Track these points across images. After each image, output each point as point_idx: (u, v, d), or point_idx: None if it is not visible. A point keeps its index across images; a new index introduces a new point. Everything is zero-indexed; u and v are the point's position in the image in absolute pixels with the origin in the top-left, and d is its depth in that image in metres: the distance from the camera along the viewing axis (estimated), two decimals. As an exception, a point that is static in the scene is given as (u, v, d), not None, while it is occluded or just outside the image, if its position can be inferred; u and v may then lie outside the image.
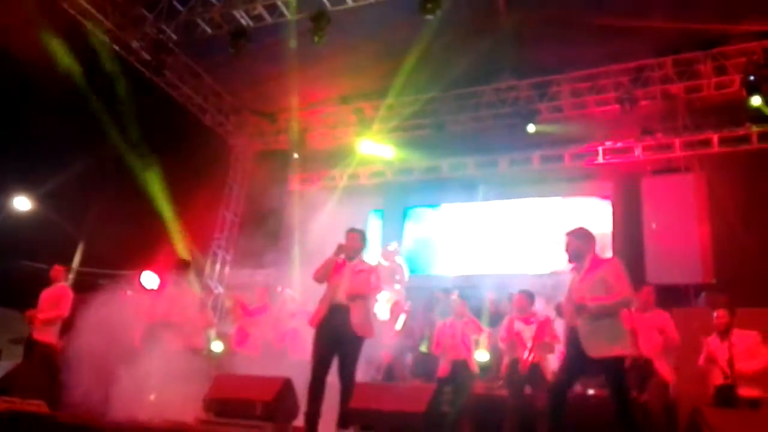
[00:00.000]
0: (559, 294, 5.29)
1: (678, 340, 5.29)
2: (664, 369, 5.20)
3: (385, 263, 8.45)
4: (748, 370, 5.07)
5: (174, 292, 6.06)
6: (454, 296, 7.14)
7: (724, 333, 5.24)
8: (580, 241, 4.31)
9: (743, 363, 5.07)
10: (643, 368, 5.10)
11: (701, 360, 5.35)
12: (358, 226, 5.28)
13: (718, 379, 5.17)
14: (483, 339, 7.01)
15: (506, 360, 5.98)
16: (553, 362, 5.79)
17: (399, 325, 7.45)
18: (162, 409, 5.01)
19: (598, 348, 4.00)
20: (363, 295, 4.84)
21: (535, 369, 5.68)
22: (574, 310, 4.13)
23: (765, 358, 5.15)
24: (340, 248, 4.89)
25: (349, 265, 4.89)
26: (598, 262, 4.25)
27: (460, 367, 6.19)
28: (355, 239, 4.97)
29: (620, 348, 4.04)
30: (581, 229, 4.39)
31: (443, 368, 6.23)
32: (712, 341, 5.34)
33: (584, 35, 8.44)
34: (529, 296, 6.00)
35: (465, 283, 9.03)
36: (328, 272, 4.87)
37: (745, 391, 5.05)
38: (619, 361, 4.05)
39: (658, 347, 5.21)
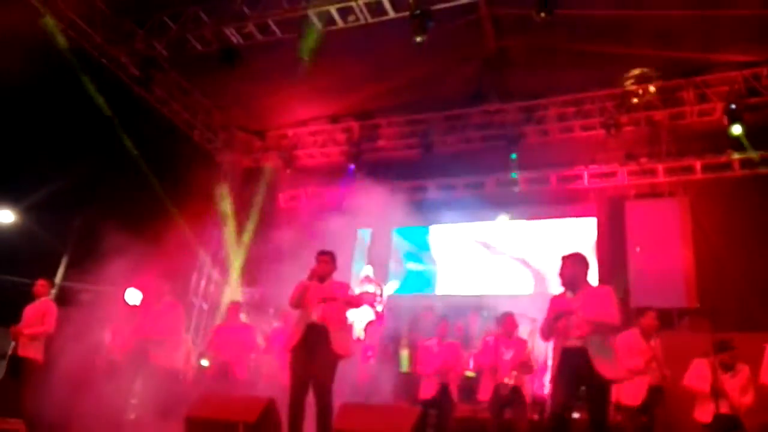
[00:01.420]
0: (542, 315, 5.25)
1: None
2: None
3: (368, 287, 8.49)
4: (742, 405, 5.11)
5: (159, 309, 5.98)
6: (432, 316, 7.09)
7: (729, 368, 5.23)
8: (577, 267, 4.32)
9: (735, 397, 5.09)
10: (656, 396, 5.14)
11: (686, 379, 5.34)
12: (347, 245, 5.31)
13: (722, 409, 5.08)
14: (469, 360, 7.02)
15: (487, 382, 5.92)
16: (529, 384, 5.80)
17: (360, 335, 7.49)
18: (142, 429, 4.92)
19: (605, 367, 4.01)
20: (338, 312, 4.85)
21: (516, 391, 5.66)
22: (570, 320, 4.14)
23: (752, 395, 5.15)
24: (312, 273, 4.89)
25: (322, 287, 4.88)
26: (590, 289, 4.29)
27: (444, 390, 6.13)
28: (326, 262, 4.98)
29: (617, 372, 4.14)
30: (579, 254, 4.40)
31: (427, 390, 6.17)
32: (702, 365, 5.29)
33: (570, 61, 8.61)
34: (517, 318, 6.01)
35: (448, 303, 9.07)
36: (303, 296, 4.86)
37: (753, 419, 5.09)
38: (610, 383, 4.10)
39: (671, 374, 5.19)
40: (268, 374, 6.89)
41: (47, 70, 8.07)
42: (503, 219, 9.96)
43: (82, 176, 8.39)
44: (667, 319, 8.36)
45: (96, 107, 8.37)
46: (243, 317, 7.38)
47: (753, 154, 8.78)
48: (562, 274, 4.34)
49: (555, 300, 4.37)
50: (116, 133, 8.33)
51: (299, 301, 4.87)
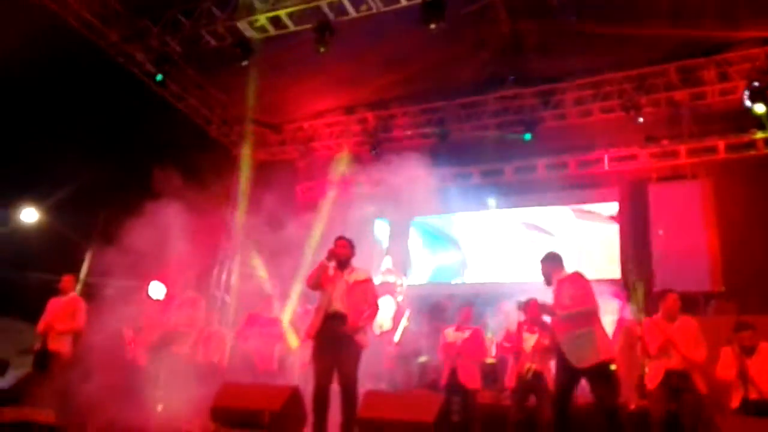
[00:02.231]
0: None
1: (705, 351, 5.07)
2: (701, 383, 4.97)
3: (389, 278, 8.49)
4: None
5: (181, 302, 6.06)
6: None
7: (750, 351, 5.12)
8: (548, 264, 4.70)
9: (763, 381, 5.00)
10: (678, 381, 4.98)
11: (717, 370, 5.25)
12: (365, 235, 5.30)
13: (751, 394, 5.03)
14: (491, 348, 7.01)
15: (512, 369, 5.92)
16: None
17: (397, 337, 7.47)
18: (169, 420, 4.99)
19: (578, 359, 4.27)
20: (361, 303, 4.81)
21: (539, 378, 5.62)
22: (546, 316, 4.60)
23: None
24: (330, 254, 4.88)
25: (344, 275, 4.87)
26: (563, 278, 4.60)
27: (453, 375, 6.16)
28: (345, 246, 4.97)
29: (600, 354, 4.29)
30: (549, 253, 4.79)
31: (444, 375, 6.22)
32: (729, 353, 5.22)
33: (587, 43, 8.47)
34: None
35: (470, 292, 9.03)
36: (320, 279, 4.87)
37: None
38: (602, 366, 4.29)
39: (698, 358, 4.99)
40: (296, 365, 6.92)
41: (67, 68, 8.16)
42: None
43: (103, 174, 8.49)
44: (692, 303, 8.25)
45: (116, 104, 8.46)
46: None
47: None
48: (542, 274, 4.75)
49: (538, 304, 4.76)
50: (135, 129, 8.41)
51: (317, 282, 4.88)
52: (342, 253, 4.92)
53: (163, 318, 5.98)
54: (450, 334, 6.37)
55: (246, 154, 11.24)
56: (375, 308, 4.97)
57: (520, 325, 5.91)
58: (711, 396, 5.39)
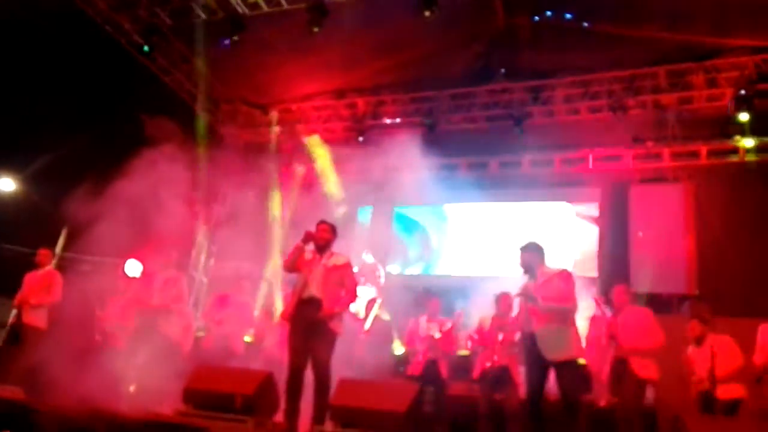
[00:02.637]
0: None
1: (662, 336, 5.24)
2: (642, 366, 5.09)
3: (369, 265, 8.48)
4: (727, 372, 5.16)
5: (164, 280, 5.98)
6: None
7: (698, 342, 5.41)
8: (530, 254, 4.74)
9: (722, 366, 5.14)
10: (619, 368, 5.16)
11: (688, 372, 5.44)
12: (350, 222, 5.25)
13: (699, 386, 5.25)
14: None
15: (481, 362, 5.97)
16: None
17: (367, 325, 7.50)
18: (141, 400, 4.95)
19: (552, 351, 4.38)
20: (336, 288, 4.78)
21: (505, 371, 5.68)
22: (526, 301, 4.57)
23: (740, 357, 5.26)
24: (308, 236, 4.82)
25: (322, 259, 4.82)
26: (549, 271, 4.65)
27: (431, 367, 6.21)
28: (326, 230, 4.91)
29: (571, 351, 4.47)
30: (531, 243, 4.82)
31: (415, 366, 6.29)
32: (691, 352, 5.43)
33: (579, 41, 8.47)
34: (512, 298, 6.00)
35: (446, 283, 9.06)
36: (296, 261, 4.82)
37: (726, 393, 5.15)
38: (570, 363, 4.46)
39: (635, 344, 5.14)
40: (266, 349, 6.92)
41: (49, 34, 7.95)
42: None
43: (83, 145, 8.32)
44: (666, 304, 8.39)
45: (99, 74, 8.28)
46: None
47: (755, 141, 8.68)
48: (521, 263, 4.76)
49: (524, 286, 4.73)
50: (118, 100, 8.25)
51: (293, 265, 4.84)
52: (322, 237, 4.87)
53: (144, 296, 5.89)
54: (422, 324, 6.40)
55: (231, 134, 11.11)
56: (352, 295, 4.94)
57: (494, 319, 5.96)
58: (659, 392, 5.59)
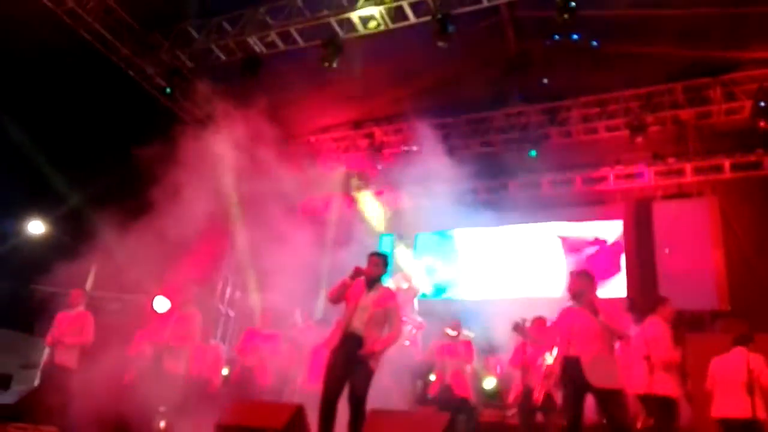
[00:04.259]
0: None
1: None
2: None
3: (404, 285, 8.48)
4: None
5: (178, 316, 6.04)
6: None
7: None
8: (583, 281, 4.66)
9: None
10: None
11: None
12: (370, 250, 5.20)
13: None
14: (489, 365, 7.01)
15: (517, 386, 5.89)
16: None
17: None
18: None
19: (600, 378, 4.30)
20: (378, 332, 4.68)
21: (549, 397, 5.59)
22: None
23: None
24: (357, 272, 4.74)
25: (370, 293, 4.73)
26: (600, 301, 4.57)
27: (445, 389, 6.22)
28: (377, 264, 4.79)
29: (618, 380, 4.39)
30: (584, 270, 4.81)
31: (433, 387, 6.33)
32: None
33: (594, 61, 8.52)
34: (545, 322, 5.95)
35: (470, 308, 8.99)
36: (342, 294, 4.77)
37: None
38: (619, 392, 4.37)
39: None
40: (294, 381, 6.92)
41: (75, 79, 8.22)
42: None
43: (106, 186, 8.51)
44: (698, 321, 8.22)
45: (122, 115, 8.52)
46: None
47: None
48: (570, 289, 4.67)
49: (565, 312, 4.67)
50: (143, 141, 8.45)
51: (338, 298, 4.79)
52: (374, 272, 4.78)
53: (157, 332, 5.95)
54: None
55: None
56: (397, 334, 4.82)
57: (525, 343, 5.90)
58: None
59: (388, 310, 4.72)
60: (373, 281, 4.77)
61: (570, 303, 4.66)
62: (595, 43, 8.10)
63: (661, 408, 5.02)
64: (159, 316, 6.37)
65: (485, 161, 10.31)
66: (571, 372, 4.41)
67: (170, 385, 5.63)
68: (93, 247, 7.67)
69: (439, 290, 10.61)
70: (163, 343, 5.76)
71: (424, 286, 10.45)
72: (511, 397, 5.88)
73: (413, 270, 9.38)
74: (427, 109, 9.78)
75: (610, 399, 4.33)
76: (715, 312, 8.32)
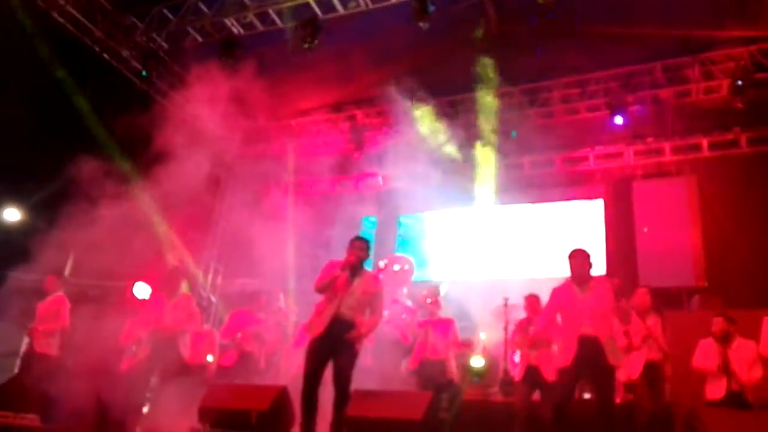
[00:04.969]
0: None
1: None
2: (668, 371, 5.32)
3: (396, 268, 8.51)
4: (749, 381, 5.07)
5: (176, 302, 6.00)
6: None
7: (722, 339, 5.24)
8: (589, 261, 4.71)
9: (743, 373, 5.07)
10: (653, 372, 5.26)
11: (694, 361, 5.35)
12: (352, 233, 5.22)
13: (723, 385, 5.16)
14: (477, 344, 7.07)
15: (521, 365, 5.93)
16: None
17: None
18: (157, 422, 4.95)
19: (614, 356, 4.43)
20: (364, 315, 4.76)
21: (538, 372, 5.62)
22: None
23: (760, 370, 5.12)
24: (347, 264, 4.72)
25: (356, 279, 4.75)
26: (597, 280, 4.73)
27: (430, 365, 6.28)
28: (362, 248, 4.82)
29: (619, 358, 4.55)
30: (583, 250, 4.78)
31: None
32: (709, 344, 5.34)
33: (574, 42, 8.51)
34: (538, 299, 5.99)
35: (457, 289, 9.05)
36: (331, 286, 4.75)
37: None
38: (614, 369, 4.51)
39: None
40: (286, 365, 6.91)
41: (54, 64, 8.04)
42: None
43: (87, 172, 8.36)
44: (676, 298, 8.37)
45: (98, 99, 8.37)
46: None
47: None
48: (572, 270, 4.69)
49: (559, 291, 4.74)
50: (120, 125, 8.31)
51: (325, 288, 4.77)
52: (360, 257, 4.80)
53: (155, 318, 5.90)
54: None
55: (232, 152, 11.15)
56: (380, 317, 4.95)
57: (523, 321, 5.97)
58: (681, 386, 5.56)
59: (373, 294, 4.80)
60: (359, 266, 4.80)
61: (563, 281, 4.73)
62: (550, 15, 7.93)
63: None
64: (150, 304, 6.28)
65: (467, 142, 10.30)
66: (586, 351, 4.42)
67: (176, 371, 5.59)
68: (71, 234, 7.55)
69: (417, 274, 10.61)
70: (165, 330, 5.69)
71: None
72: (518, 376, 5.90)
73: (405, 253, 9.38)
74: (408, 90, 9.72)
75: (611, 376, 4.47)
76: (692, 288, 8.47)
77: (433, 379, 6.22)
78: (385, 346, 6.94)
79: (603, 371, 4.42)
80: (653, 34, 8.33)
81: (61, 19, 8.30)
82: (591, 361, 4.42)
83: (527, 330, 5.79)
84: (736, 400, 5.04)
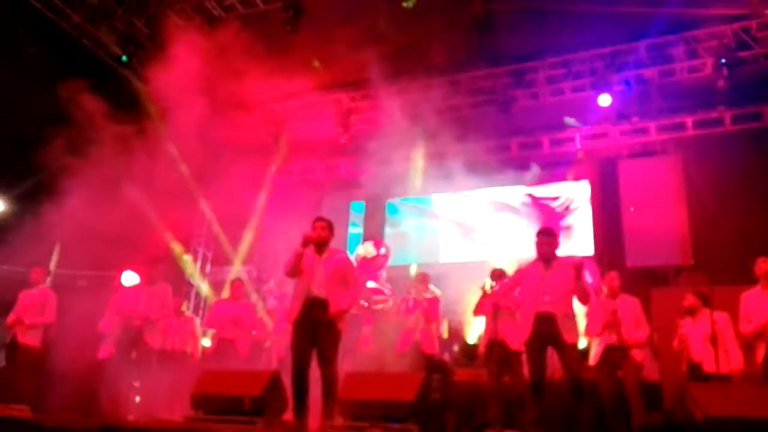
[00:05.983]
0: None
1: (649, 330, 5.39)
2: (639, 357, 5.26)
3: (371, 252, 8.47)
4: (727, 354, 5.14)
5: (151, 290, 5.99)
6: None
7: (692, 314, 5.38)
8: (556, 241, 4.82)
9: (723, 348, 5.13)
10: (614, 355, 5.24)
11: (675, 342, 5.43)
12: (341, 218, 5.21)
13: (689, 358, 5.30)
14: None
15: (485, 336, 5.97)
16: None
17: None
18: (149, 409, 4.93)
19: (570, 333, 4.51)
20: (339, 292, 4.73)
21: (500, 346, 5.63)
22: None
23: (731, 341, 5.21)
24: (306, 240, 4.73)
25: (321, 258, 4.76)
26: (562, 259, 4.78)
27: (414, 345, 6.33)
28: (324, 228, 4.83)
29: (578, 335, 4.67)
30: (551, 229, 4.96)
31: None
32: (686, 323, 5.42)
33: (558, 22, 8.48)
34: (504, 273, 5.99)
35: (443, 271, 9.08)
36: (297, 265, 4.75)
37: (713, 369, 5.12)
38: (575, 346, 4.63)
39: (639, 339, 5.29)
40: (271, 350, 6.92)
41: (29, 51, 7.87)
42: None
43: (72, 161, 8.24)
44: (663, 276, 8.47)
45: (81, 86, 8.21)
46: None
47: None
48: (539, 249, 4.76)
49: (524, 267, 4.86)
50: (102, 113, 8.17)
51: (294, 270, 4.77)
52: (321, 236, 4.81)
53: (128, 307, 5.89)
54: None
55: (218, 138, 11.04)
56: (357, 290, 4.93)
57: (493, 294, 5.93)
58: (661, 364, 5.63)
59: (342, 269, 4.79)
60: (323, 246, 4.79)
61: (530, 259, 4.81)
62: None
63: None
64: (126, 291, 6.27)
65: (454, 125, 10.26)
66: (542, 326, 4.54)
67: (147, 359, 5.61)
68: (56, 224, 7.46)
69: (403, 256, 10.62)
70: (140, 317, 5.73)
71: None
72: (481, 347, 5.93)
73: (380, 237, 9.36)
74: (393, 73, 9.64)
75: (571, 352, 4.55)
76: (679, 266, 8.57)
77: (423, 360, 6.25)
78: (386, 332, 6.98)
79: (561, 348, 4.52)
80: (637, 12, 8.32)
81: (37, 4, 8.09)
82: (547, 337, 4.54)
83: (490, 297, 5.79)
84: (695, 373, 5.18)
